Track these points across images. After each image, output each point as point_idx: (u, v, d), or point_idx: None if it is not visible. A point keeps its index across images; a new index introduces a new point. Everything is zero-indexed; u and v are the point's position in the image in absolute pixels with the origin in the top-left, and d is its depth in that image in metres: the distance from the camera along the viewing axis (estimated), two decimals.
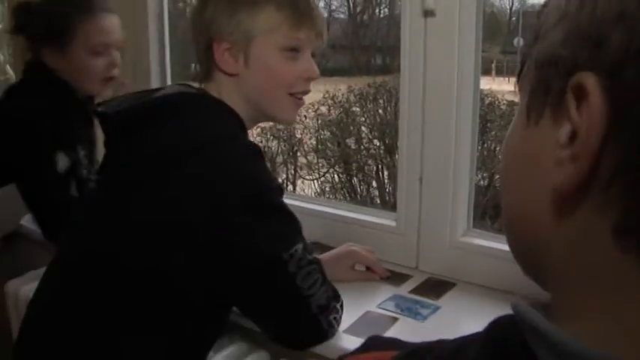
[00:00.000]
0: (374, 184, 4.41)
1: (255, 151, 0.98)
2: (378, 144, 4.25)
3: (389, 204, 4.17)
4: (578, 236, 0.32)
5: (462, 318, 1.16)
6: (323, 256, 1.22)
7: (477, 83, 1.27)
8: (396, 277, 1.33)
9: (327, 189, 4.55)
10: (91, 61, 1.43)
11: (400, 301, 1.21)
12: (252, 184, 0.92)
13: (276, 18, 1.01)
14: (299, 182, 4.64)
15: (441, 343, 0.39)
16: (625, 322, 0.30)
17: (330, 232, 1.49)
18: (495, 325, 0.35)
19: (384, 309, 1.17)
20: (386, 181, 4.31)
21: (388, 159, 4.19)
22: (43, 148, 1.37)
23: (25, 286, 1.49)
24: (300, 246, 0.95)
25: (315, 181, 4.56)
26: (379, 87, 4.34)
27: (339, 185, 4.51)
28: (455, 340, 0.38)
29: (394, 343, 0.49)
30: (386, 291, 1.26)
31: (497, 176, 3.96)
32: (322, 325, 0.99)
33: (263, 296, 0.96)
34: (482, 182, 3.72)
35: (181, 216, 0.91)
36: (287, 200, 1.12)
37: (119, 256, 0.94)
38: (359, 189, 4.44)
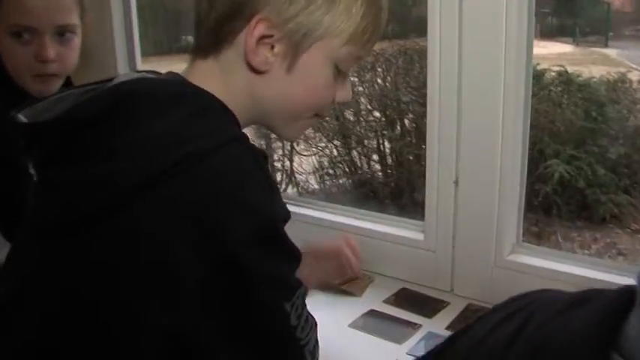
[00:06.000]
0: (374, 157, 4.18)
1: (262, 162, 0.73)
2: (378, 116, 4.00)
3: (391, 177, 3.96)
4: None
5: None
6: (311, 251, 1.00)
7: (529, 49, 0.98)
8: (427, 306, 1.08)
9: (326, 163, 4.33)
10: (13, 46, 1.13)
11: (436, 342, 0.93)
12: (259, 213, 0.70)
13: (359, 21, 0.76)
14: (296, 158, 4.40)
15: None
16: None
17: None
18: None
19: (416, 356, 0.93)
20: (387, 154, 4.08)
21: (390, 132, 3.95)
22: None
23: None
24: (301, 290, 0.75)
25: (314, 156, 4.32)
26: (377, 55, 4.04)
27: (338, 159, 4.28)
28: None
29: None
30: (416, 327, 1.01)
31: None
32: None
33: (257, 347, 0.75)
34: None
35: (159, 257, 0.66)
36: (292, 208, 0.88)
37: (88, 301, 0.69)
38: (359, 162, 4.23)
